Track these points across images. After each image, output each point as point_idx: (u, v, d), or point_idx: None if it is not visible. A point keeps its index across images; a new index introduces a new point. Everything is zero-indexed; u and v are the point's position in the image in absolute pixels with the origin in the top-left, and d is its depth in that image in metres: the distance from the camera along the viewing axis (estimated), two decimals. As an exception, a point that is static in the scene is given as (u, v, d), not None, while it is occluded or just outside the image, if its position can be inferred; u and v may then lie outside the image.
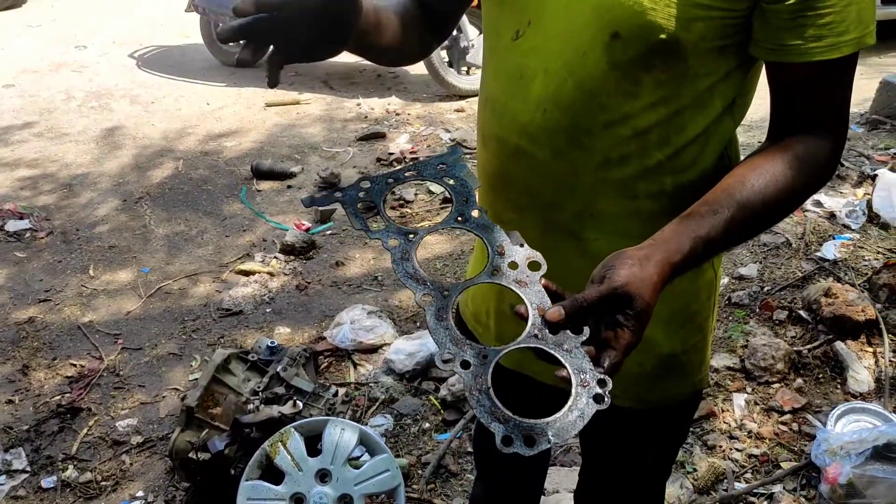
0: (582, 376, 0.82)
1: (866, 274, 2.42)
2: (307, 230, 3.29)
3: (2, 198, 3.62)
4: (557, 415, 0.81)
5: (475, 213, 0.94)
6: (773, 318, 2.40)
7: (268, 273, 3.05)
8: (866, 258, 2.49)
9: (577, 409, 0.81)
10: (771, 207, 0.96)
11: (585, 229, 1.07)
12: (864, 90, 3.82)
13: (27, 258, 3.22)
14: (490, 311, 1.22)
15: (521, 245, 0.91)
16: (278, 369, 2.22)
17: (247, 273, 3.06)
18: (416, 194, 3.45)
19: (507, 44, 1.03)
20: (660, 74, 0.96)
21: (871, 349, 2.26)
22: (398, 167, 0.96)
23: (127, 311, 2.91)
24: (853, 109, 3.75)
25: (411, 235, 0.94)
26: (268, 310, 2.87)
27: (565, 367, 0.82)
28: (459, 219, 0.95)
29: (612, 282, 0.84)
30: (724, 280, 2.58)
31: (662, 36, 0.92)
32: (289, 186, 3.68)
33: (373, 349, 2.60)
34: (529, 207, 1.05)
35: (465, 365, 0.83)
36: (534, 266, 0.89)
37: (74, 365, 2.65)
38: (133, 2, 6.09)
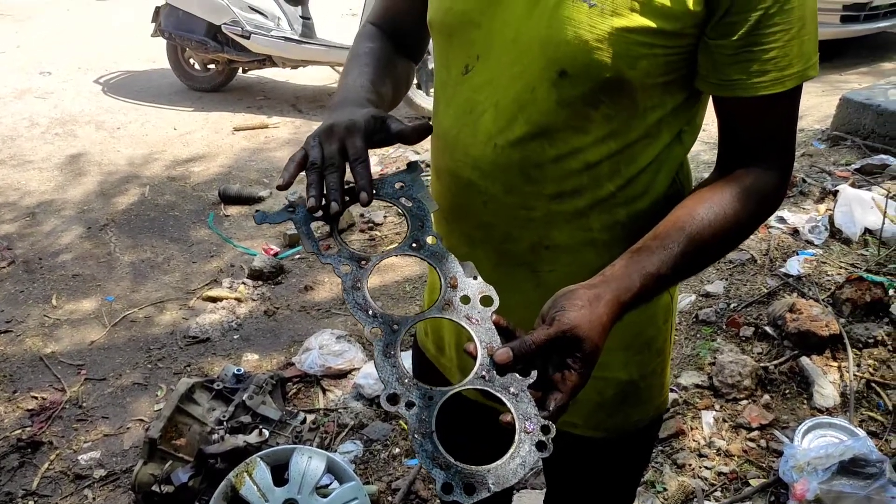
0: (527, 423, 0.80)
1: (830, 289, 2.45)
2: (276, 255, 3.27)
3: (-38, 228, 3.56)
4: (499, 462, 0.80)
5: (430, 240, 0.93)
6: (739, 335, 2.42)
7: (235, 299, 3.02)
8: (829, 273, 2.51)
9: (520, 457, 0.80)
10: (720, 239, 0.96)
11: (540, 262, 1.07)
12: (824, 107, 3.89)
13: (-12, 289, 3.16)
14: (451, 342, 1.21)
15: (475, 278, 0.90)
16: (244, 397, 2.19)
17: (214, 299, 3.03)
18: (385, 216, 3.44)
19: (456, 78, 1.03)
20: (608, 110, 0.96)
21: (835, 364, 2.28)
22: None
23: (91, 341, 2.86)
24: (815, 126, 3.81)
25: (364, 262, 0.93)
26: (235, 336, 2.84)
27: (510, 412, 0.81)
28: (414, 245, 0.93)
29: (560, 324, 0.83)
30: (692, 297, 2.59)
31: (608, 74, 0.93)
32: (257, 211, 3.65)
33: (342, 374, 2.58)
34: (483, 240, 1.05)
35: (409, 405, 0.81)
36: (486, 301, 0.88)
37: (36, 397, 2.60)
38: (98, 28, 6.06)
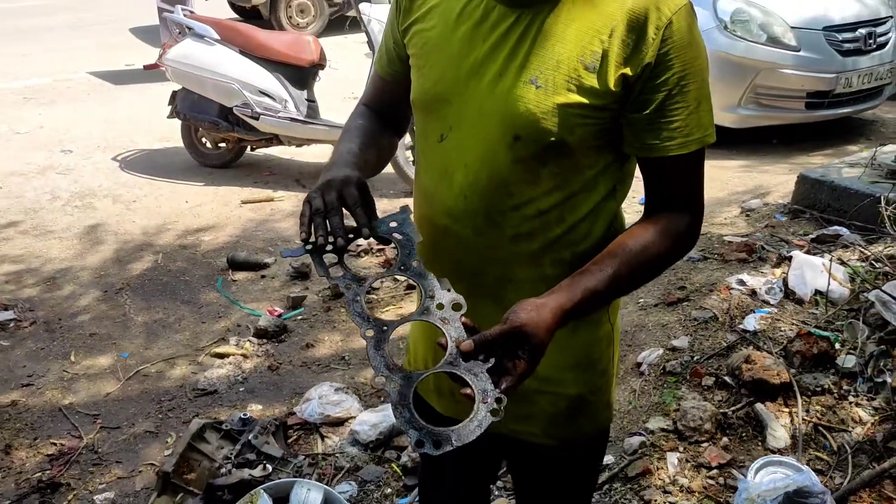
0: (483, 395, 1.07)
1: (782, 343, 2.70)
2: (279, 315, 3.52)
3: (-12, 291, 3.82)
4: (461, 424, 1.06)
5: (415, 263, 1.20)
6: (701, 384, 2.65)
7: (241, 355, 3.26)
8: (783, 329, 2.77)
9: (477, 420, 1.06)
10: (644, 266, 1.24)
11: (504, 292, 1.33)
12: (788, 184, 4.21)
13: (11, 346, 3.40)
14: (428, 359, 1.46)
15: (448, 290, 1.17)
16: (250, 437, 2.41)
17: (221, 356, 3.27)
18: (381, 282, 3.71)
19: (433, 144, 1.32)
20: (554, 167, 1.25)
21: (787, 409, 2.51)
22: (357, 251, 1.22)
23: (106, 393, 3.09)
24: (779, 201, 4.13)
25: (362, 281, 1.20)
26: (241, 389, 3.07)
27: (471, 387, 1.08)
28: (402, 268, 1.20)
29: (512, 322, 1.11)
30: (659, 351, 2.84)
31: (552, 138, 1.22)
32: (262, 276, 3.93)
33: (339, 422, 2.79)
34: (457, 275, 1.27)
35: (393, 384, 1.08)
36: (457, 307, 1.15)
37: (55, 444, 2.81)
38: (116, 110, 6.46)
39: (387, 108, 1.46)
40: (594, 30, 1.19)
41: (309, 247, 1.21)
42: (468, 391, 1.08)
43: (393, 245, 1.24)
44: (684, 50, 1.18)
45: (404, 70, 1.37)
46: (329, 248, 1.20)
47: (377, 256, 3.93)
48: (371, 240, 1.30)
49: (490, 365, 1.09)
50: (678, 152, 1.23)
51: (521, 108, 1.21)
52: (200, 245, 4.27)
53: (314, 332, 3.44)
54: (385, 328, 1.15)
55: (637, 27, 1.17)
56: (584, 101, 1.20)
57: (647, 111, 1.20)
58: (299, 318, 3.54)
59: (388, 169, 4.80)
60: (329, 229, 1.20)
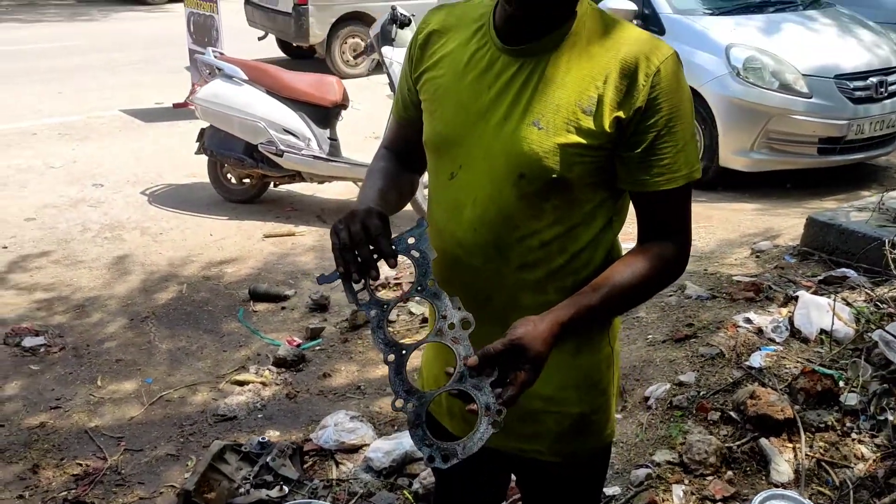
0: (486, 409, 1.18)
1: (787, 380, 2.77)
2: (298, 346, 3.63)
3: (20, 317, 3.96)
4: (465, 438, 1.19)
5: (430, 283, 1.31)
6: (707, 419, 2.72)
7: (261, 383, 3.37)
8: (788, 366, 2.83)
9: (479, 433, 1.18)
10: (635, 289, 1.36)
11: (511, 318, 1.43)
12: (799, 227, 4.28)
13: (41, 370, 3.53)
14: (445, 395, 1.56)
15: (459, 308, 1.28)
16: (268, 460, 2.50)
17: (241, 383, 3.37)
18: (398, 315, 3.81)
19: (444, 182, 1.44)
20: (555, 202, 1.37)
21: (790, 445, 2.56)
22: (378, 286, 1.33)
23: (130, 417, 3.20)
24: (789, 243, 4.20)
25: (385, 306, 1.31)
26: (259, 415, 3.17)
27: (476, 403, 1.19)
28: (419, 289, 1.31)
29: (511, 336, 1.23)
30: (666, 386, 2.90)
31: (554, 175, 1.34)
32: (282, 308, 4.05)
33: (354, 449, 2.88)
34: (466, 302, 1.36)
35: (409, 405, 1.22)
36: (465, 325, 1.26)
37: (80, 464, 2.91)
38: (146, 146, 6.67)
39: (405, 150, 1.59)
40: (590, 77, 1.32)
41: (341, 269, 1.29)
42: (473, 406, 1.19)
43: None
44: (672, 95, 1.30)
45: (418, 115, 1.50)
46: (359, 279, 1.29)
47: (394, 290, 4.04)
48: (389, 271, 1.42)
49: (492, 378, 1.20)
50: (667, 187, 1.35)
51: (525, 148, 1.33)
52: (223, 276, 4.40)
53: (331, 362, 3.54)
54: (404, 352, 1.27)
55: (629, 74, 1.30)
56: (583, 141, 1.32)
57: (639, 150, 1.33)
58: (317, 348, 3.65)
59: (408, 208, 4.94)
60: (360, 261, 1.30)
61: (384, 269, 1.44)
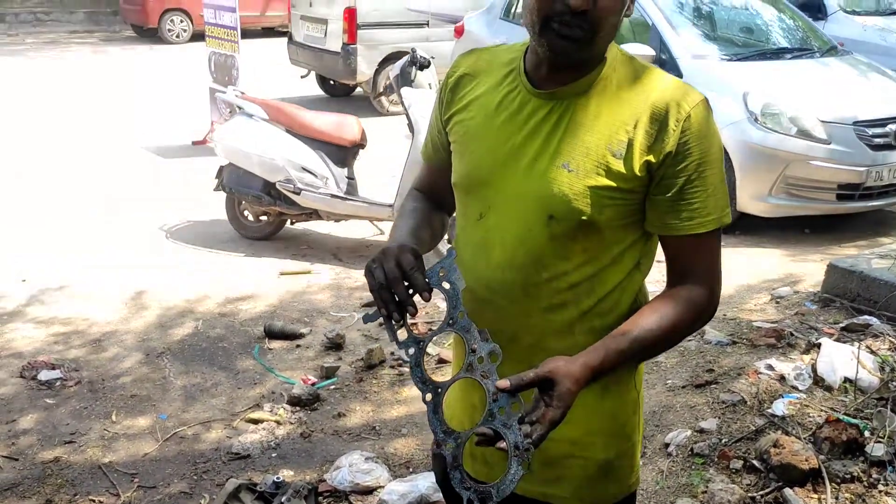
0: (515, 449, 1.17)
1: (811, 428, 2.72)
2: (313, 384, 3.60)
3: (37, 350, 3.97)
4: (497, 481, 1.19)
5: (460, 316, 1.30)
6: (729, 467, 2.67)
7: (275, 421, 3.34)
8: (811, 415, 2.79)
9: (510, 474, 1.18)
10: (665, 334, 1.35)
11: (536, 359, 1.42)
12: (819, 273, 4.25)
13: (56, 404, 3.52)
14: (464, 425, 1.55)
15: (487, 340, 1.27)
16: (283, 500, 2.47)
17: (256, 421, 3.35)
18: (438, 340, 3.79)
19: (473, 222, 1.44)
20: (584, 243, 1.37)
21: (815, 496, 2.51)
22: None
23: (144, 453, 3.17)
24: (809, 289, 4.17)
25: (421, 343, 1.32)
26: (273, 454, 3.13)
27: (505, 441, 1.18)
28: (451, 322, 1.31)
29: (543, 368, 1.23)
30: (687, 433, 2.86)
31: (584, 217, 1.34)
32: (297, 346, 4.03)
33: (368, 491, 2.84)
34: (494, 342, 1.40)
35: (448, 447, 1.24)
36: (493, 357, 1.26)
37: (93, 500, 2.89)
38: (165, 183, 6.74)
39: (435, 191, 1.60)
40: (620, 121, 1.33)
41: (385, 311, 1.31)
42: (502, 444, 1.18)
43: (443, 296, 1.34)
44: (701, 140, 1.31)
45: (448, 157, 1.51)
46: (399, 318, 1.31)
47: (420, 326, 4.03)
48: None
49: (521, 414, 1.20)
50: (696, 231, 1.35)
51: (555, 190, 1.34)
52: (239, 314, 4.40)
53: (346, 401, 3.51)
54: (439, 390, 1.28)
55: (659, 119, 1.30)
56: (612, 184, 1.32)
57: (669, 194, 1.33)
58: (332, 387, 3.62)
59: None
60: (398, 300, 1.30)
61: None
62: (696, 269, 1.38)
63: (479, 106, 1.44)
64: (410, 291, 1.31)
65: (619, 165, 1.31)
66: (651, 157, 1.31)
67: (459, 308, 1.30)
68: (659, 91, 1.34)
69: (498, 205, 1.40)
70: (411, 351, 1.31)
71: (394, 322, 1.31)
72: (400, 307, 1.30)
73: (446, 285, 1.32)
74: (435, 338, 1.48)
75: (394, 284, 1.30)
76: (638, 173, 1.31)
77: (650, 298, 1.49)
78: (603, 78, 1.36)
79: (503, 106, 1.41)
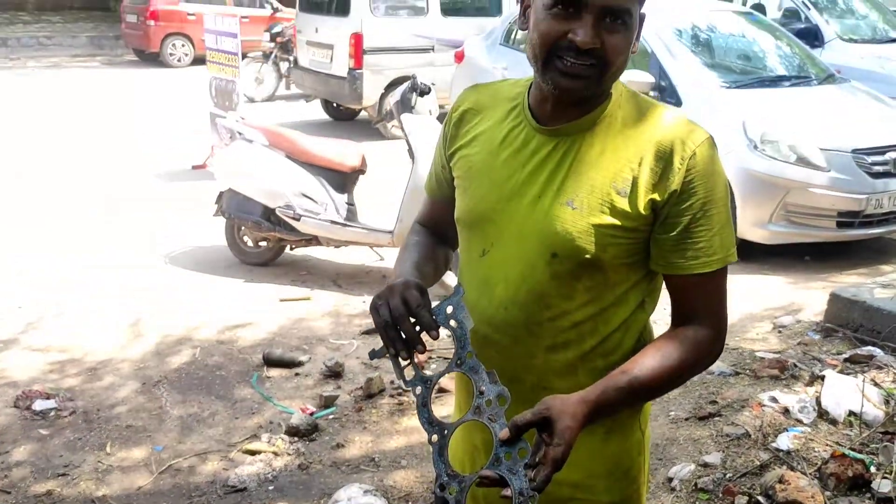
0: (520, 496, 1.15)
1: (816, 464, 2.68)
2: (311, 414, 3.56)
3: (32, 379, 3.93)
4: None
5: (468, 356, 1.28)
6: (734, 503, 2.62)
7: (273, 453, 3.29)
8: (816, 449, 2.75)
9: None
10: (668, 375, 1.32)
11: (539, 399, 1.40)
12: (820, 301, 4.23)
13: (50, 435, 3.47)
14: (465, 467, 1.51)
15: (496, 383, 1.24)
16: (280, 537, 2.42)
17: (253, 452, 3.30)
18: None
19: (476, 259, 1.42)
20: (588, 282, 1.34)
21: (822, 533, 2.46)
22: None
23: (138, 487, 3.12)
24: (811, 318, 4.14)
25: (428, 382, 1.29)
26: (270, 487, 3.08)
27: (510, 488, 1.15)
28: (458, 363, 1.28)
29: (539, 407, 1.20)
30: (691, 467, 2.82)
31: (587, 256, 1.31)
32: (296, 374, 4.00)
33: (367, 526, 2.79)
34: None
35: (451, 491, 1.21)
36: (502, 401, 1.23)
37: (86, 535, 2.83)
38: (163, 207, 6.72)
39: (439, 226, 1.58)
40: (625, 158, 1.31)
41: (392, 350, 1.29)
42: (507, 492, 1.15)
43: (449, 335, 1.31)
44: (707, 178, 1.29)
45: (451, 192, 1.49)
46: (407, 357, 1.28)
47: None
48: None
49: (526, 460, 1.17)
50: (701, 270, 1.32)
51: (558, 228, 1.32)
52: (237, 341, 4.36)
53: (345, 431, 3.47)
54: (446, 432, 1.25)
55: (664, 157, 1.29)
56: (617, 222, 1.30)
57: (674, 233, 1.31)
58: (331, 416, 3.58)
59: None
60: (405, 338, 1.28)
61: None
62: (701, 310, 1.35)
63: (483, 141, 1.43)
64: (418, 328, 1.28)
65: (623, 203, 1.30)
66: (656, 196, 1.29)
67: (468, 348, 1.28)
68: (664, 128, 1.32)
69: (501, 241, 1.38)
70: (418, 390, 1.29)
71: (401, 360, 1.29)
72: (407, 345, 1.28)
73: (454, 324, 1.29)
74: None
75: (400, 322, 1.28)
76: (643, 212, 1.30)
77: (653, 336, 1.46)
78: (608, 115, 1.35)
79: (507, 142, 1.39)
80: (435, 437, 1.25)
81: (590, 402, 1.23)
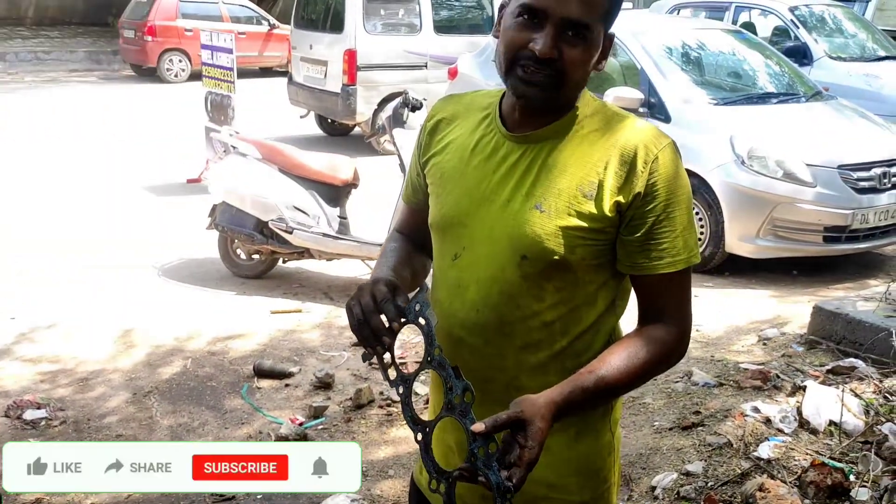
0: (498, 491, 1.20)
1: (796, 472, 2.71)
2: (301, 424, 3.59)
3: (23, 389, 3.95)
4: None
5: (436, 352, 1.32)
6: (715, 511, 2.66)
7: (261, 462, 3.31)
8: (797, 458, 2.79)
9: None
10: (632, 372, 1.37)
11: (512, 398, 1.44)
12: (806, 315, 4.27)
13: (40, 443, 3.49)
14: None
15: (460, 378, 1.29)
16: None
17: (242, 462, 3.32)
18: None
19: (448, 263, 1.47)
20: (558, 283, 1.39)
21: (801, 540, 2.50)
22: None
23: (127, 495, 3.14)
24: (796, 331, 4.19)
25: (408, 381, 1.35)
26: (258, 496, 3.11)
27: (489, 482, 1.21)
28: (429, 360, 1.32)
29: (514, 409, 1.25)
30: (673, 476, 2.85)
31: (556, 257, 1.37)
32: (286, 385, 4.03)
33: (353, 534, 2.82)
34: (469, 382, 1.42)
35: (443, 487, 1.27)
36: (468, 396, 1.27)
37: (75, 544, 2.85)
38: (158, 220, 6.76)
39: (416, 233, 1.63)
40: (591, 163, 1.37)
41: (368, 351, 1.35)
42: (482, 479, 1.21)
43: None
44: (669, 181, 1.35)
45: (426, 200, 1.54)
46: (373, 352, 1.34)
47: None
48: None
49: (498, 455, 1.22)
50: (665, 270, 1.38)
51: (527, 231, 1.37)
52: (228, 352, 4.40)
53: (334, 441, 3.49)
54: (427, 430, 1.31)
55: (628, 161, 1.35)
56: (584, 224, 1.36)
57: (638, 234, 1.36)
58: (320, 427, 3.61)
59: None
60: (375, 334, 1.33)
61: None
62: (666, 309, 1.40)
63: (455, 149, 1.48)
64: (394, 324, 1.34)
65: (590, 206, 1.35)
66: (621, 198, 1.34)
67: (435, 345, 1.32)
68: (628, 135, 1.38)
69: (472, 245, 1.43)
70: (401, 389, 1.34)
71: (377, 356, 1.34)
72: (379, 339, 1.33)
73: (422, 321, 1.34)
74: (422, 376, 1.49)
75: (369, 318, 1.32)
76: (608, 213, 1.35)
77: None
78: (576, 123, 1.41)
79: (479, 149, 1.45)
80: (420, 436, 1.31)
81: (558, 402, 1.28)
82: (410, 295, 1.37)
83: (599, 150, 1.37)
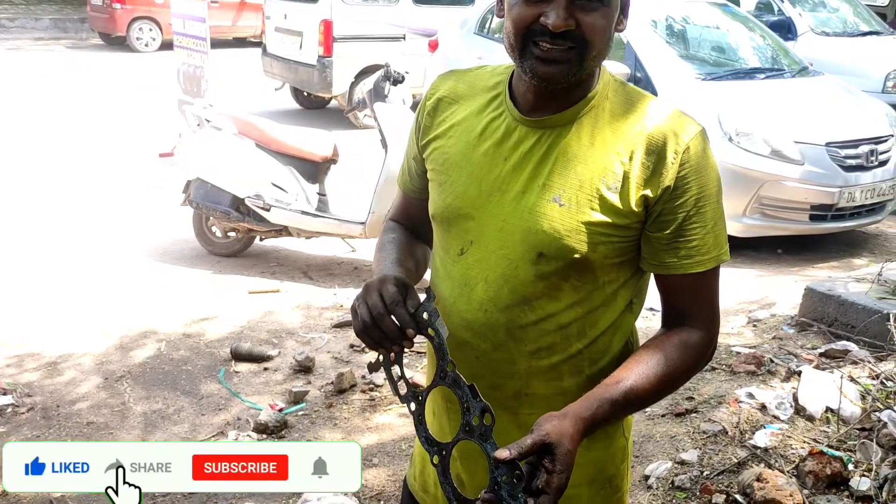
0: None
1: (794, 461, 2.65)
2: (280, 410, 3.46)
3: (-12, 374, 3.78)
4: None
5: (449, 369, 1.20)
6: (711, 502, 2.58)
7: (240, 451, 3.19)
8: (794, 446, 2.72)
9: None
10: (661, 381, 1.24)
11: (521, 406, 1.33)
12: (794, 294, 4.22)
13: (7, 433, 3.33)
14: (436, 482, 1.44)
15: (477, 397, 1.16)
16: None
17: (220, 451, 3.19)
18: (384, 379, 3.67)
19: (454, 258, 1.33)
20: (576, 282, 1.27)
21: (801, 532, 2.43)
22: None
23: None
24: (786, 312, 4.12)
25: (419, 397, 1.23)
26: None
27: None
28: (442, 376, 1.20)
29: (538, 433, 1.11)
30: (668, 464, 2.77)
31: (576, 255, 1.24)
32: (265, 369, 3.89)
33: (337, 526, 2.71)
34: None
35: None
36: (487, 419, 1.15)
37: (44, 539, 2.72)
38: (129, 196, 6.54)
39: (413, 221, 1.49)
40: (615, 152, 1.23)
41: (372, 361, 1.25)
42: None
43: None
44: (701, 173, 1.22)
45: (425, 186, 1.40)
46: (387, 357, 1.23)
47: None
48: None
49: (524, 483, 1.10)
50: (694, 269, 1.26)
51: (545, 226, 1.24)
52: (204, 334, 4.24)
53: (315, 428, 3.38)
54: (444, 452, 1.20)
55: (656, 151, 1.22)
56: (608, 220, 1.23)
57: (668, 231, 1.24)
58: (300, 413, 3.49)
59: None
60: (386, 337, 1.21)
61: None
62: (694, 311, 1.29)
63: (460, 132, 1.34)
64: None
65: (614, 200, 1.22)
66: (648, 192, 1.22)
67: (448, 359, 1.20)
68: (655, 121, 1.25)
69: (481, 240, 1.30)
70: (412, 406, 1.24)
71: (391, 360, 1.23)
72: (392, 343, 1.21)
73: (431, 332, 1.22)
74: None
75: (380, 321, 1.20)
76: (634, 208, 1.22)
77: (639, 339, 1.40)
78: (595, 105, 1.27)
79: (487, 133, 1.31)
80: (436, 459, 1.20)
81: (586, 419, 1.15)
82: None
83: (624, 138, 1.24)
